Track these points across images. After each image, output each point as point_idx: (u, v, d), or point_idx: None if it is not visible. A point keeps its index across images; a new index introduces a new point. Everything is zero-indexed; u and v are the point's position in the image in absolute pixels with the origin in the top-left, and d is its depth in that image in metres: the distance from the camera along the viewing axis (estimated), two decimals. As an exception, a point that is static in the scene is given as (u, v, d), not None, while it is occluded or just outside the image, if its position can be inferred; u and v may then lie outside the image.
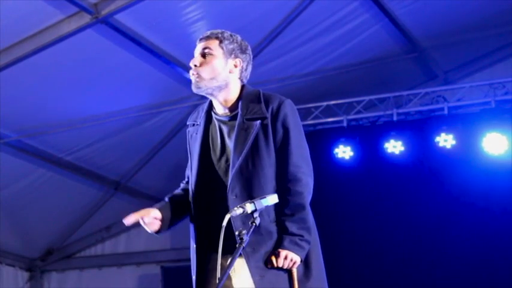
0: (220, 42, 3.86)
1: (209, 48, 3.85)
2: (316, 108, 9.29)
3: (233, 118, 3.85)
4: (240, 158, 3.72)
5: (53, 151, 9.41)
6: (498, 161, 8.52)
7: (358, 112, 9.21)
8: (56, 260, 11.42)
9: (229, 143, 3.81)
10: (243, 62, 3.93)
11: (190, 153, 3.93)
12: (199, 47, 3.88)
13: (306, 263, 3.79)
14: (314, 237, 3.86)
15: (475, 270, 8.56)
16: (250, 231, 3.50)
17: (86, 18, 7.44)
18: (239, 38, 3.94)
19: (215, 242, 3.49)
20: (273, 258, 3.69)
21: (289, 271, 3.73)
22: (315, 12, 8.36)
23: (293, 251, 3.69)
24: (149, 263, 11.17)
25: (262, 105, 3.82)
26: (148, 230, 3.88)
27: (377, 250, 9.00)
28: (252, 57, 4.01)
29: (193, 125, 3.97)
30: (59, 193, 10.07)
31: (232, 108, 3.88)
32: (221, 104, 3.89)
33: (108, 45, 7.92)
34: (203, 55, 3.85)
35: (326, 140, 9.26)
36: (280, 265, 3.69)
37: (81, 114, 8.84)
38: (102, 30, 7.67)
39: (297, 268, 3.74)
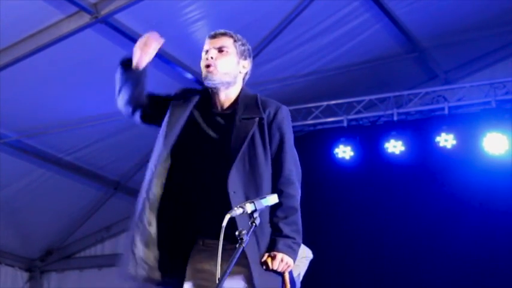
0: (235, 41, 3.97)
1: (225, 45, 3.94)
2: (316, 108, 9.29)
3: (228, 116, 3.89)
4: (238, 156, 3.76)
5: (52, 151, 9.41)
6: (498, 160, 8.52)
7: (358, 112, 9.21)
8: (56, 260, 11.42)
9: (223, 140, 3.82)
10: (249, 65, 4.03)
11: (168, 124, 3.90)
12: (213, 42, 3.96)
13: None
14: None
15: (475, 270, 8.56)
16: (250, 231, 3.49)
17: (86, 18, 7.44)
18: (248, 45, 4.04)
19: (205, 226, 3.69)
20: (269, 260, 3.74)
21: (282, 274, 3.77)
22: (315, 12, 8.36)
23: (287, 254, 3.75)
24: (149, 263, 11.14)
25: (260, 107, 3.89)
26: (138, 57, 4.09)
27: (377, 250, 9.00)
28: (252, 63, 4.10)
29: (181, 98, 4.00)
30: (58, 193, 10.06)
31: (229, 106, 3.93)
32: (219, 100, 3.93)
33: (107, 45, 7.91)
34: (220, 50, 3.93)
35: (326, 140, 9.27)
36: (275, 267, 3.74)
37: (81, 114, 8.83)
38: (102, 30, 7.67)
39: (289, 272, 3.80)
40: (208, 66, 3.90)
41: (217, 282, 3.40)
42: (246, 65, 3.98)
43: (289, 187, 3.83)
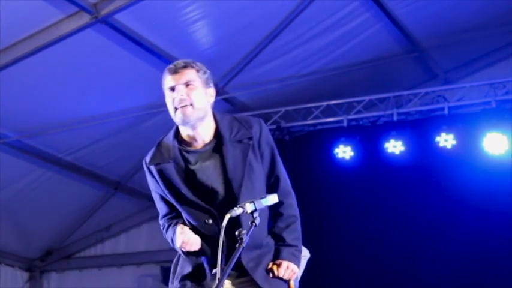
0: (197, 71, 3.83)
1: (191, 79, 3.80)
2: (316, 108, 9.28)
3: (215, 146, 3.82)
4: (244, 178, 3.76)
5: (52, 151, 9.41)
6: (498, 161, 8.51)
7: (358, 112, 9.21)
8: (56, 260, 11.42)
9: (217, 170, 3.78)
10: (214, 91, 3.92)
11: (173, 187, 3.83)
12: (177, 78, 3.81)
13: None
14: None
15: (475, 270, 8.55)
16: (250, 231, 3.49)
17: (86, 18, 7.44)
18: (206, 68, 3.92)
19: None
20: (275, 268, 3.79)
21: (287, 282, 3.83)
22: (315, 12, 8.36)
23: (292, 262, 3.83)
24: (149, 263, 11.16)
25: (246, 127, 3.87)
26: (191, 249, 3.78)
27: (377, 250, 9.00)
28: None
29: (159, 164, 3.89)
30: (58, 193, 10.06)
31: (212, 137, 3.85)
32: (198, 135, 3.84)
33: (107, 45, 7.91)
34: (187, 85, 3.80)
35: (326, 140, 9.26)
36: (281, 275, 3.80)
37: (81, 114, 8.84)
38: (102, 30, 7.67)
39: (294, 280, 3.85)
40: (182, 107, 3.77)
41: (217, 282, 3.41)
42: (212, 93, 3.87)
43: (288, 197, 3.90)
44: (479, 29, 9.08)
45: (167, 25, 8.00)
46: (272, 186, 3.86)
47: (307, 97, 9.33)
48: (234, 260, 3.46)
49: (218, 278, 3.43)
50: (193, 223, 3.83)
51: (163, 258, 11.02)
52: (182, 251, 3.82)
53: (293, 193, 3.92)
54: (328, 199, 9.13)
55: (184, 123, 3.79)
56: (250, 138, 3.83)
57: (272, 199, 3.63)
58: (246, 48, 8.67)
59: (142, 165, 11.42)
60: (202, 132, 3.83)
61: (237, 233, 3.50)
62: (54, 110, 8.71)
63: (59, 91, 8.46)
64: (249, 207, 3.53)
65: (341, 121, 9.20)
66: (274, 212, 3.85)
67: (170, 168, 3.83)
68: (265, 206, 3.65)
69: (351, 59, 9.23)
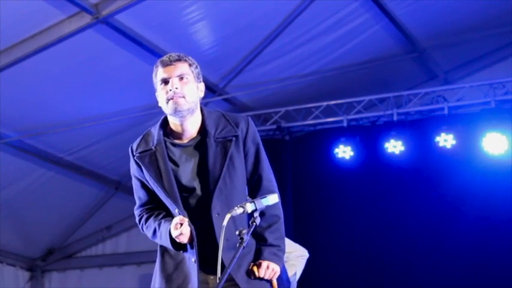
0: (190, 65, 3.85)
1: (184, 72, 3.81)
2: (316, 108, 9.30)
3: (200, 141, 3.84)
4: (220, 178, 3.75)
5: (53, 151, 9.42)
6: (498, 160, 8.53)
7: (358, 112, 9.22)
8: (57, 260, 11.44)
9: (199, 166, 3.80)
10: (204, 86, 3.94)
11: (153, 176, 3.83)
12: (170, 70, 3.80)
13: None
14: None
15: (475, 270, 8.57)
16: (250, 231, 3.51)
17: (87, 19, 7.46)
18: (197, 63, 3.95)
19: (200, 259, 3.65)
20: (255, 269, 3.76)
21: (270, 282, 3.80)
22: (315, 12, 8.37)
23: (273, 261, 3.78)
24: (150, 262, 11.11)
25: (232, 124, 3.86)
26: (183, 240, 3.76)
27: (376, 249, 9.01)
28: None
29: (143, 151, 3.91)
30: (59, 193, 10.08)
31: (197, 131, 3.86)
32: (185, 128, 3.85)
33: (108, 45, 7.93)
34: (180, 78, 3.81)
35: (326, 140, 9.27)
36: (262, 275, 3.76)
37: (81, 114, 8.85)
38: (103, 31, 7.69)
39: (276, 279, 3.81)
40: (174, 98, 3.78)
41: (217, 281, 3.43)
42: (202, 88, 3.90)
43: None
44: (479, 29, 9.09)
45: (168, 26, 8.02)
46: (255, 186, 3.84)
47: (307, 97, 9.35)
48: (235, 260, 3.47)
49: (219, 278, 3.45)
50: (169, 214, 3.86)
51: (164, 258, 11.04)
52: (172, 244, 3.78)
53: (277, 193, 3.81)
54: (328, 199, 9.14)
55: (177, 112, 3.79)
56: (236, 136, 3.82)
57: (272, 199, 3.62)
58: (247, 48, 8.69)
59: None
60: (189, 126, 3.84)
61: (237, 232, 3.51)
62: (55, 110, 8.72)
63: (59, 91, 8.47)
64: (249, 207, 3.53)
65: (341, 121, 9.22)
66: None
67: (153, 157, 3.85)
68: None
69: (350, 59, 9.24)
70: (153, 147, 3.87)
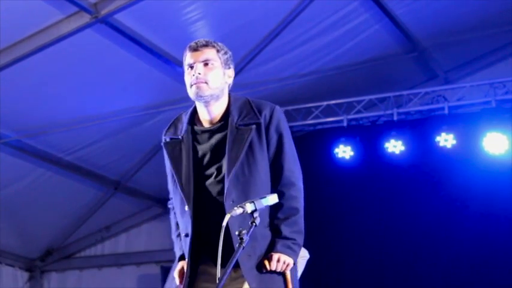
0: (218, 51, 3.85)
1: (210, 57, 3.83)
2: (316, 108, 9.29)
3: (222, 127, 3.84)
4: (237, 164, 3.72)
5: (52, 151, 9.40)
6: (498, 160, 8.52)
7: (358, 112, 9.21)
8: (56, 260, 11.42)
9: (219, 151, 3.80)
10: (233, 72, 3.94)
11: (175, 169, 3.87)
12: (197, 55, 3.84)
13: (295, 266, 3.86)
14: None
15: (475, 270, 8.56)
16: (250, 231, 3.49)
17: (86, 18, 7.44)
18: (228, 48, 3.93)
19: (211, 249, 3.59)
20: (266, 262, 3.73)
21: (283, 274, 3.76)
22: (314, 12, 8.36)
23: (285, 254, 3.74)
24: (149, 263, 11.17)
25: (255, 111, 3.83)
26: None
27: (377, 250, 9.00)
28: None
29: (171, 139, 3.93)
30: (59, 193, 10.06)
31: (221, 117, 3.87)
32: (211, 113, 3.86)
33: (107, 45, 7.91)
34: (205, 63, 3.82)
35: (326, 140, 9.27)
36: (273, 268, 3.72)
37: (81, 114, 8.84)
38: (102, 30, 7.67)
39: (290, 271, 3.77)
40: (197, 83, 3.80)
41: (217, 281, 3.41)
42: (231, 74, 3.90)
43: (290, 188, 3.81)
44: (479, 28, 9.08)
45: (167, 25, 8.00)
46: (276, 176, 3.79)
47: (307, 97, 9.33)
48: (235, 260, 3.44)
49: (218, 278, 3.42)
50: (176, 207, 3.90)
51: (163, 258, 11.03)
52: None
53: (299, 185, 3.80)
54: (328, 199, 9.13)
55: (198, 97, 3.81)
56: (257, 124, 3.79)
57: (272, 199, 3.58)
58: (246, 48, 8.67)
59: (142, 165, 11.38)
60: (214, 111, 3.85)
61: (237, 232, 3.47)
62: (54, 110, 8.71)
63: (59, 91, 8.46)
64: (249, 207, 3.49)
65: (341, 121, 9.21)
66: (276, 202, 3.71)
67: (178, 147, 3.87)
68: (265, 193, 3.62)
69: (350, 58, 9.23)
70: (180, 136, 3.89)
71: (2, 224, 10.10)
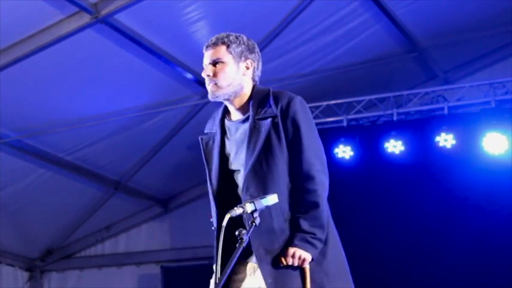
0: (228, 47, 3.81)
1: (218, 56, 3.80)
2: (316, 108, 9.28)
3: (246, 120, 3.82)
4: (253, 158, 3.69)
5: (52, 151, 9.41)
6: (498, 160, 8.51)
7: (358, 112, 9.21)
8: (56, 260, 11.42)
9: (243, 145, 3.79)
10: (254, 61, 3.88)
11: (207, 163, 3.89)
12: (207, 56, 3.83)
13: (319, 261, 3.73)
14: (331, 236, 3.85)
15: (475, 269, 8.56)
16: (250, 231, 3.48)
17: (86, 18, 7.44)
18: (245, 38, 3.88)
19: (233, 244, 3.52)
20: (282, 258, 3.65)
21: (302, 269, 3.67)
22: (314, 12, 8.36)
23: (302, 248, 3.64)
24: (149, 262, 11.17)
25: (272, 104, 3.78)
26: None
27: (377, 250, 9.00)
28: (260, 54, 3.94)
29: (207, 133, 3.95)
30: (59, 193, 10.06)
31: (246, 110, 3.85)
32: (236, 108, 3.86)
33: (108, 45, 7.92)
34: (214, 64, 3.81)
35: (326, 140, 9.22)
36: (289, 263, 3.64)
37: (81, 114, 8.84)
38: (102, 30, 7.67)
39: (310, 266, 3.67)
40: (209, 84, 3.81)
41: (217, 282, 3.41)
42: (248, 64, 3.84)
43: (309, 182, 3.72)
44: (479, 28, 9.09)
45: (167, 25, 8.01)
46: (295, 169, 3.72)
47: (307, 97, 9.26)
48: (234, 260, 3.42)
49: (218, 278, 3.42)
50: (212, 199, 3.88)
51: (163, 258, 11.05)
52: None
53: (318, 179, 3.72)
54: (328, 199, 9.11)
55: (212, 99, 3.83)
56: (274, 116, 3.74)
57: (272, 199, 3.56)
58: (246, 48, 8.67)
59: (142, 165, 11.37)
60: (237, 105, 3.85)
61: (237, 232, 3.44)
62: (54, 110, 8.71)
63: (58, 91, 8.46)
64: (249, 207, 3.48)
65: (341, 121, 9.20)
66: (296, 196, 3.69)
67: (212, 141, 3.89)
68: (284, 187, 3.62)
69: (351, 59, 9.23)
70: (214, 130, 3.91)
71: (2, 224, 10.11)
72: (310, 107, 9.26)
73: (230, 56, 3.80)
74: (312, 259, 3.68)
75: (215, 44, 3.82)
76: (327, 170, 3.85)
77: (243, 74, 3.83)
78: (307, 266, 3.66)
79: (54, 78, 8.25)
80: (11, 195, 9.71)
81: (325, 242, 3.76)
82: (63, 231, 11.05)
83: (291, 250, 3.63)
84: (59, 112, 8.75)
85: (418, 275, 8.81)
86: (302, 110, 3.80)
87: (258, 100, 3.81)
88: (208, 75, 3.79)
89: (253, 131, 3.74)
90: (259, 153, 3.69)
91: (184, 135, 9.55)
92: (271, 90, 3.87)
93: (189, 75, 8.51)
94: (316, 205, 3.72)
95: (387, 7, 8.53)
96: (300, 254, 3.64)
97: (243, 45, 3.84)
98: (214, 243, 3.65)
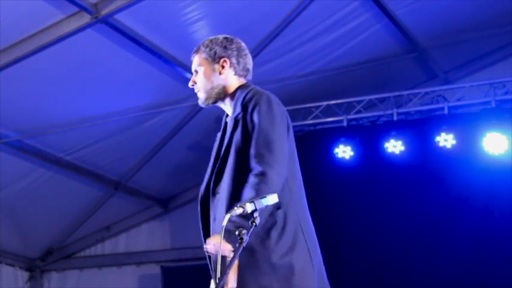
0: (202, 53, 3.92)
1: (196, 64, 3.94)
2: (316, 108, 9.29)
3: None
4: (219, 158, 3.76)
5: (53, 151, 9.41)
6: (498, 160, 8.52)
7: (358, 112, 9.21)
8: (56, 260, 11.42)
9: (219, 146, 3.90)
10: (230, 58, 3.91)
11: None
12: (192, 65, 3.99)
13: (250, 251, 3.60)
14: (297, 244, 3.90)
15: (475, 269, 8.56)
16: (250, 231, 3.47)
17: (86, 18, 7.44)
18: (220, 38, 3.94)
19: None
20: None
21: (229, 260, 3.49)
22: (315, 12, 8.36)
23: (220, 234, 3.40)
24: (149, 262, 11.17)
25: (239, 103, 3.78)
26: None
27: (377, 250, 9.00)
28: (241, 47, 3.97)
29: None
30: (59, 193, 10.06)
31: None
32: (225, 109, 3.97)
33: (108, 45, 7.91)
34: (195, 72, 3.95)
35: (326, 140, 9.26)
36: (210, 251, 3.57)
37: (81, 114, 8.84)
38: (102, 30, 7.67)
39: (240, 257, 3.46)
40: (196, 93, 3.96)
41: (217, 282, 3.41)
42: (224, 63, 3.88)
43: (252, 175, 3.59)
44: (479, 29, 9.09)
45: (167, 25, 8.01)
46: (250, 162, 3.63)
47: (307, 97, 9.33)
48: (234, 260, 3.44)
49: (218, 278, 3.42)
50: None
51: (163, 258, 11.05)
52: None
53: (265, 171, 3.54)
54: (328, 199, 9.13)
55: (203, 105, 3.95)
56: (239, 114, 3.76)
57: (272, 199, 3.55)
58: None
59: (142, 165, 11.36)
60: (228, 104, 3.92)
61: (237, 232, 3.42)
62: (54, 110, 8.71)
63: (58, 91, 8.46)
64: (249, 207, 3.46)
65: (341, 121, 9.21)
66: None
67: (217, 138, 3.96)
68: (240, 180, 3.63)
69: (351, 59, 9.23)
70: (222, 126, 3.97)
71: (3, 223, 10.11)
72: (310, 107, 9.35)
73: (205, 61, 3.90)
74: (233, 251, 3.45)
75: (194, 53, 3.96)
76: (281, 163, 3.63)
77: (220, 74, 3.88)
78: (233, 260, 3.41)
79: (53, 78, 8.25)
80: (11, 195, 9.70)
81: (290, 248, 3.78)
82: (63, 231, 11.05)
83: (208, 240, 3.57)
84: (59, 112, 8.75)
85: (418, 275, 8.82)
86: (263, 104, 3.70)
87: (236, 100, 3.86)
88: (193, 84, 3.94)
89: (229, 131, 3.80)
90: (224, 152, 3.75)
91: (184, 135, 9.55)
92: (248, 90, 3.84)
93: (189, 75, 8.49)
94: (249, 197, 3.50)
95: (387, 7, 8.52)
96: (213, 242, 3.51)
97: (216, 47, 3.90)
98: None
